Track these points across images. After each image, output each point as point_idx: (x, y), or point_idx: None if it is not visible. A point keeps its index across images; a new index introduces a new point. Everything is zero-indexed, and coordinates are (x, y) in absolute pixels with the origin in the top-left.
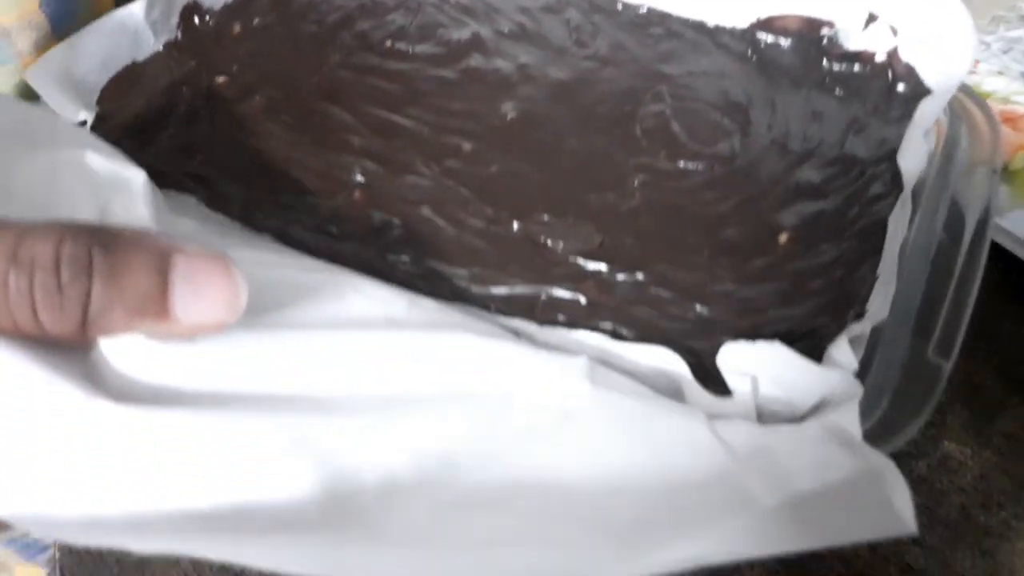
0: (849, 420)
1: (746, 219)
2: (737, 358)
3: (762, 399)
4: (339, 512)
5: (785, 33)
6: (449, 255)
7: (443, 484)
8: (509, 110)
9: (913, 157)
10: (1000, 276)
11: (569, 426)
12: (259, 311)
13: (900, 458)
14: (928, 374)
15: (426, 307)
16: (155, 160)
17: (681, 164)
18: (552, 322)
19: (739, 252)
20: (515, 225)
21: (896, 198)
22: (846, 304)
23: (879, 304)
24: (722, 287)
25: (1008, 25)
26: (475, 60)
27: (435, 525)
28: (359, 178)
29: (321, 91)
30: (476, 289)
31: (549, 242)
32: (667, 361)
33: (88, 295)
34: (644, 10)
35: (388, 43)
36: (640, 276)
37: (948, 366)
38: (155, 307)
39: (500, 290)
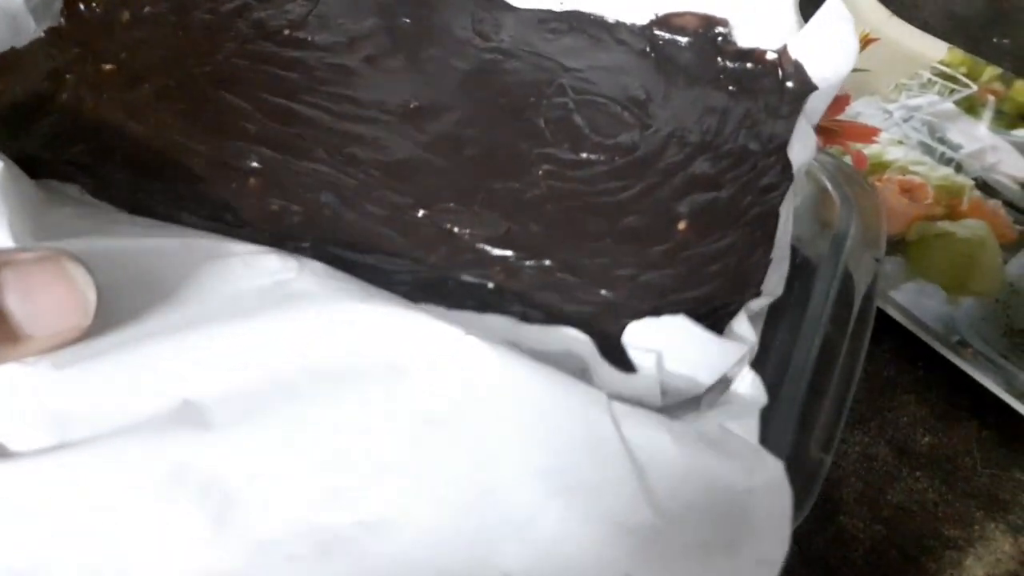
0: (748, 428)
1: (646, 208)
2: (642, 336)
3: (666, 375)
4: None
5: (682, 32)
6: (352, 241)
7: (340, 499)
8: (411, 99)
9: (803, 149)
10: (895, 349)
11: (468, 408)
12: (134, 304)
13: (798, 536)
14: (809, 469)
15: (317, 272)
16: (32, 148)
17: (584, 155)
18: (461, 306)
19: (640, 239)
20: (420, 212)
21: (787, 188)
22: (743, 286)
23: (774, 283)
24: (625, 272)
25: (909, 93)
26: (376, 49)
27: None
28: (255, 164)
29: (215, 79)
30: (382, 276)
31: (456, 229)
32: (574, 341)
33: None
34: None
35: (286, 32)
36: (547, 262)
37: (828, 460)
38: None
39: (406, 276)
